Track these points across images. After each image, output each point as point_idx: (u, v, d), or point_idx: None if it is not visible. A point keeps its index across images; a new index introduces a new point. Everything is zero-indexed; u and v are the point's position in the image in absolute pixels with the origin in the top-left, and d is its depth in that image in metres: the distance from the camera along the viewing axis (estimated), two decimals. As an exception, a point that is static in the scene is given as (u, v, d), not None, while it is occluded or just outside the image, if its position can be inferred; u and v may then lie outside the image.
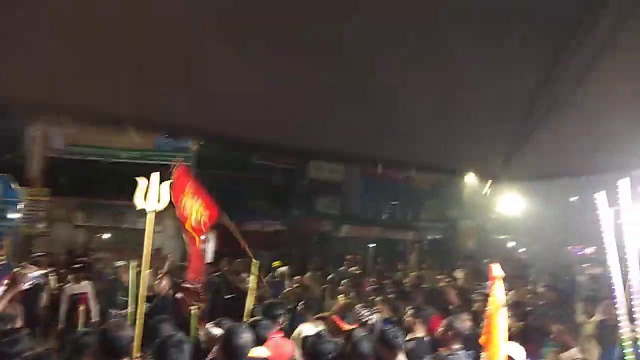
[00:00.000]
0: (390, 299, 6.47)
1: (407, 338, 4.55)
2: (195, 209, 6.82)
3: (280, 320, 4.29)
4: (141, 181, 4.15)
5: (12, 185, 12.53)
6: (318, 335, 3.73)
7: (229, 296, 8.12)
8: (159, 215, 15.21)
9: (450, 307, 6.19)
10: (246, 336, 3.30)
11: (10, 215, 12.30)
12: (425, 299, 6.37)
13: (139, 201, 4.15)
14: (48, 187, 13.87)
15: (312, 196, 19.92)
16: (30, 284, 4.49)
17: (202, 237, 7.09)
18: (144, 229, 15.27)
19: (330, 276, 9.20)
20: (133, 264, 5.39)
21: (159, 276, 7.26)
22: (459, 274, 9.81)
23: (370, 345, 3.61)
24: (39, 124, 14.96)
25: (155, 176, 4.18)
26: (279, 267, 9.97)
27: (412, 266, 11.77)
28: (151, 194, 4.18)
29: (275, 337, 4.03)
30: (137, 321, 3.94)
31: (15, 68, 1.49)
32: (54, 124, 15.19)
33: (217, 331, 3.68)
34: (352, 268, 11.03)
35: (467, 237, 20.39)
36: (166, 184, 4.30)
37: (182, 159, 15.21)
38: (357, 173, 21.82)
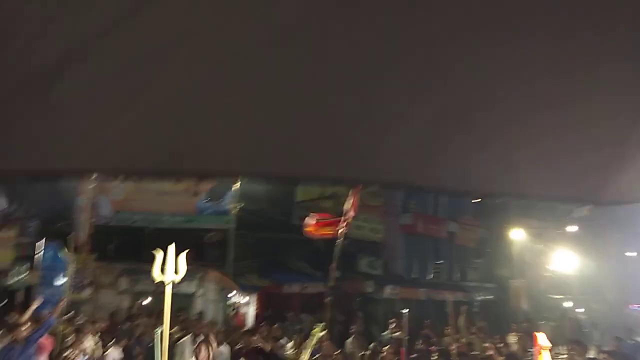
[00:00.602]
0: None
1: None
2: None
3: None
4: (158, 253, 4.15)
5: (60, 253, 12.96)
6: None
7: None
8: (201, 278, 15.27)
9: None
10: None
11: (58, 282, 12.63)
12: None
13: (156, 273, 4.12)
14: (94, 254, 14.25)
15: (353, 256, 19.59)
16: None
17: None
18: (184, 294, 15.28)
19: (372, 344, 8.81)
20: (158, 330, 5.31)
21: (198, 343, 7.13)
22: (512, 338, 9.20)
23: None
24: (87, 193, 15.61)
25: (172, 247, 4.17)
26: (318, 331, 9.64)
27: (461, 330, 11.13)
28: (169, 266, 4.15)
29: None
30: None
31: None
32: (101, 192, 15.85)
33: None
34: (396, 333, 10.54)
35: (519, 297, 19.32)
36: (183, 254, 4.29)
37: (224, 223, 15.59)
38: (398, 231, 21.46)
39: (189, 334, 8.90)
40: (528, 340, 8.95)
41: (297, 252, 17.19)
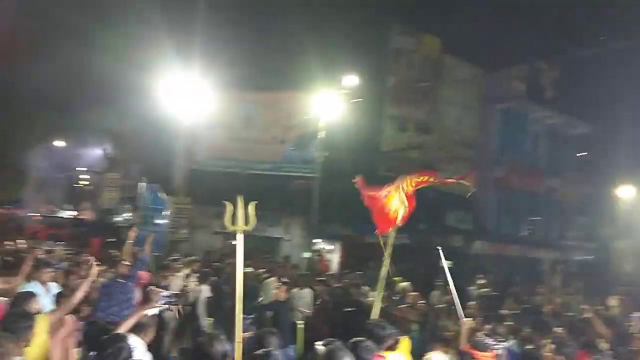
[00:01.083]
0: (525, 328, 5.72)
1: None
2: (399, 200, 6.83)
3: (387, 342, 3.91)
4: (228, 204, 4.12)
5: (160, 194, 13.82)
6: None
7: (348, 309, 7.89)
8: (288, 224, 15.65)
9: (600, 342, 5.24)
10: (345, 358, 3.04)
11: (157, 221, 13.56)
12: (569, 331, 5.45)
13: (227, 223, 4.12)
14: (190, 197, 15.06)
15: (440, 209, 19.02)
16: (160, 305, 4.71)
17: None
18: (274, 237, 15.81)
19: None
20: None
21: (279, 284, 7.30)
22: (613, 301, 8.45)
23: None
24: (185, 139, 16.38)
25: (240, 198, 4.13)
26: (400, 282, 9.52)
27: (555, 291, 10.46)
28: (239, 216, 4.13)
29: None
30: (237, 332, 3.87)
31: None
32: (198, 139, 16.56)
33: (322, 350, 3.46)
34: (483, 289, 10.13)
35: (623, 258, 17.81)
36: (252, 205, 4.23)
37: (309, 171, 15.70)
38: (490, 184, 20.41)
39: (273, 275, 9.22)
40: (630, 304, 8.20)
41: (383, 203, 16.96)
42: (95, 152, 24.30)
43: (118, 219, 18.53)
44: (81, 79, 18.05)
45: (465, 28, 19.02)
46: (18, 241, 7.46)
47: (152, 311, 4.38)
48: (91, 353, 2.91)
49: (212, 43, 15.01)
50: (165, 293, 5.49)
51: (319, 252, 15.27)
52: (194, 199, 15.26)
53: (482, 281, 10.73)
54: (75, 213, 23.47)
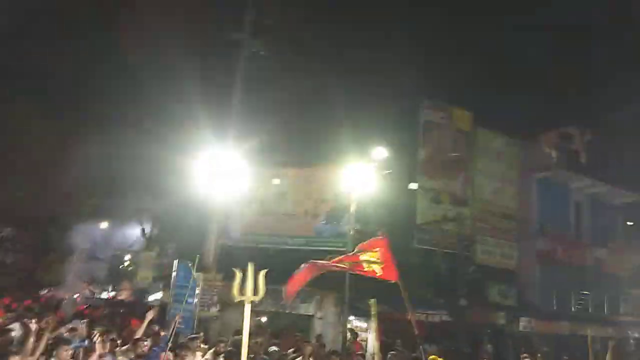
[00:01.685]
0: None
1: None
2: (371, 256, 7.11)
3: None
4: (237, 272, 4.02)
5: (191, 272, 13.78)
6: None
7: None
8: (321, 300, 15.21)
9: None
10: None
11: (189, 300, 13.40)
12: None
13: (235, 292, 3.98)
14: (222, 273, 14.95)
15: (482, 284, 18.17)
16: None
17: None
18: (307, 314, 15.34)
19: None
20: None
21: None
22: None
23: None
24: (217, 217, 16.60)
25: (251, 266, 4.02)
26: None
27: (610, 370, 9.53)
28: (248, 285, 4.00)
29: None
30: None
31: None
32: (231, 216, 16.77)
33: None
34: (529, 368, 9.36)
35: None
36: (262, 273, 4.10)
37: (341, 245, 15.48)
38: (533, 256, 19.52)
39: (300, 355, 8.87)
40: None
41: (419, 277, 16.36)
42: (134, 232, 24.91)
43: (151, 298, 18.52)
44: (120, 161, 18.93)
45: (496, 98, 19.20)
46: (43, 320, 7.50)
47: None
48: None
49: (244, 120, 15.61)
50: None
51: (353, 331, 14.60)
52: (226, 275, 15.16)
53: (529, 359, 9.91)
54: (113, 293, 23.71)
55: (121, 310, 17.42)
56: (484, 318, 16.47)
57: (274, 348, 8.87)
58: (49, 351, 5.74)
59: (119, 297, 23.09)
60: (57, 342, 5.60)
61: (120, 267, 27.15)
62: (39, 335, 5.61)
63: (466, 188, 18.91)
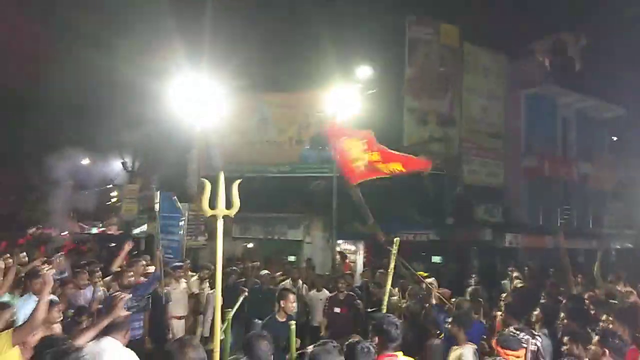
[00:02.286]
0: (563, 319, 5.09)
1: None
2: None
3: (398, 341, 3.40)
4: (207, 184, 3.58)
5: (176, 203, 13.52)
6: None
7: (370, 309, 7.38)
8: (308, 227, 15.13)
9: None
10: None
11: (175, 230, 13.25)
12: (616, 319, 4.71)
13: (204, 206, 3.56)
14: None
15: (468, 203, 18.25)
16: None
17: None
18: (295, 240, 15.34)
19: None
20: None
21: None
22: (660, 289, 7.65)
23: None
24: (199, 146, 16.13)
25: (221, 176, 3.57)
26: (425, 277, 8.90)
27: (595, 279, 9.64)
28: (220, 198, 3.58)
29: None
30: (215, 338, 3.39)
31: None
32: (212, 145, 16.30)
33: (309, 353, 2.99)
34: (517, 281, 9.43)
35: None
36: (235, 185, 3.68)
37: (327, 171, 15.23)
38: (520, 174, 19.54)
39: (288, 278, 8.87)
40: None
41: (405, 199, 16.34)
42: (116, 166, 24.41)
43: (137, 231, 18.40)
44: (93, 88, 18.04)
45: (483, 13, 18.30)
46: (20, 255, 7.21)
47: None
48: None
49: (222, 45, 14.74)
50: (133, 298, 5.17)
51: (342, 253, 14.72)
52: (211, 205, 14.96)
53: (516, 274, 9.99)
54: (103, 229, 23.54)
55: (109, 245, 17.30)
56: (470, 236, 16.65)
57: (265, 271, 8.80)
58: (25, 285, 5.50)
59: (108, 232, 22.98)
60: (30, 275, 5.32)
61: (108, 203, 26.90)
62: (8, 269, 5.32)
63: (453, 107, 18.48)
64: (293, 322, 4.71)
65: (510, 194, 19.65)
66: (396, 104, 17.24)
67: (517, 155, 19.70)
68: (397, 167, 7.28)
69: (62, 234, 20.31)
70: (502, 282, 10.62)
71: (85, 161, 25.52)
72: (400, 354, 3.38)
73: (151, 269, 7.37)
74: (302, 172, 16.11)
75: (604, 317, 4.84)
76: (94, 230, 24.33)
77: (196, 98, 13.65)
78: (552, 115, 20.92)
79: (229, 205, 3.58)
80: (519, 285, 9.07)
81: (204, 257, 14.26)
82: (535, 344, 3.63)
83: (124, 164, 23.69)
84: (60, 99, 17.83)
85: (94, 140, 21.07)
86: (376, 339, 3.39)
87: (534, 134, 19.98)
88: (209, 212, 3.56)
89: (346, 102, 13.90)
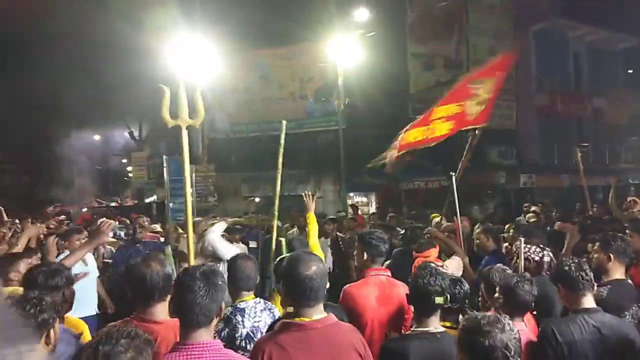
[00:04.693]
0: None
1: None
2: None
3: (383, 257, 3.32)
4: (166, 91, 3.39)
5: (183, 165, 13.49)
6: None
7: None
8: (318, 181, 15.01)
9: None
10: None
11: (183, 192, 13.27)
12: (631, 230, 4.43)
13: (165, 115, 3.39)
14: (214, 165, 14.71)
15: (481, 148, 17.89)
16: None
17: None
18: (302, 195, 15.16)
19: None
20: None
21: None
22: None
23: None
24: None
25: (182, 85, 3.38)
26: (434, 217, 8.77)
27: (611, 211, 9.43)
28: (182, 107, 3.39)
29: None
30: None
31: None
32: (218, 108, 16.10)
33: None
34: (530, 215, 9.27)
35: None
36: (198, 92, 3.49)
37: (333, 124, 14.99)
38: (533, 114, 19.02)
39: (295, 226, 8.88)
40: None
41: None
42: (124, 137, 24.45)
43: (150, 198, 18.53)
44: (94, 59, 17.81)
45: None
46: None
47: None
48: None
49: (216, 1, 14.34)
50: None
51: (354, 205, 14.63)
52: (219, 167, 14.93)
53: (533, 208, 9.84)
54: (119, 201, 23.81)
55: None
56: (483, 179, 16.40)
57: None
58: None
59: (126, 204, 23.24)
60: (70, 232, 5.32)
61: (125, 178, 27.08)
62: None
63: (460, 50, 17.88)
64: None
65: (523, 134, 19.21)
66: (400, 50, 16.74)
67: (528, 95, 19.14)
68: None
69: (81, 210, 20.57)
70: (517, 219, 10.44)
71: (96, 136, 25.62)
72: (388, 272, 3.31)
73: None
74: (308, 127, 15.88)
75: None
76: (112, 205, 24.65)
77: (193, 59, 13.39)
78: (563, 50, 20.15)
79: (192, 114, 3.42)
80: (532, 220, 8.92)
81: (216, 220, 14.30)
82: (549, 255, 3.51)
83: (130, 133, 23.68)
84: (63, 62, 17.64)
85: (99, 113, 21.03)
86: (364, 254, 3.30)
87: (544, 71, 19.33)
88: (171, 122, 3.40)
89: (347, 51, 13.51)
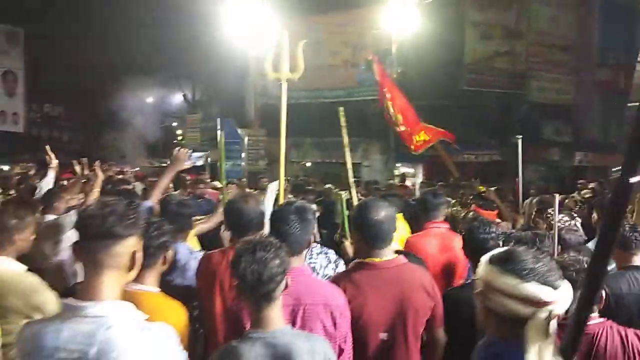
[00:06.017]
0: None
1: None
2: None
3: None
4: (267, 45, 3.53)
5: (236, 129, 13.87)
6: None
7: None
8: (366, 150, 15.07)
9: None
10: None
11: (236, 155, 13.70)
12: None
13: (268, 69, 3.54)
14: (264, 129, 14.98)
15: (536, 122, 17.38)
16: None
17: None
18: (353, 163, 15.46)
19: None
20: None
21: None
22: None
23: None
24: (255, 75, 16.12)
25: (284, 35, 3.50)
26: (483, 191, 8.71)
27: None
28: (283, 61, 3.53)
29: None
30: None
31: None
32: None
33: None
34: (585, 191, 9.09)
35: None
36: (300, 46, 3.61)
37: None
38: (593, 90, 18.18)
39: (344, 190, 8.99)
40: None
41: (467, 118, 15.77)
42: (177, 99, 25.04)
43: (197, 155, 19.05)
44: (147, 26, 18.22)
45: None
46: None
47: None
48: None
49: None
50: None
51: (402, 175, 14.65)
52: (269, 132, 15.17)
53: (591, 184, 9.62)
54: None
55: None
56: (536, 156, 15.98)
57: (328, 185, 8.99)
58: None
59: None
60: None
61: (174, 141, 27.81)
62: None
63: (520, 19, 17.17)
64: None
65: (581, 110, 18.45)
66: (457, 18, 16.26)
67: (589, 69, 18.28)
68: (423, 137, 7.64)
69: (133, 169, 21.40)
70: (571, 195, 10.23)
71: (149, 98, 26.34)
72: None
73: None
74: (358, 96, 15.84)
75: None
76: (164, 165, 25.46)
77: (249, 23, 13.51)
78: (630, 22, 18.97)
79: (293, 68, 3.58)
80: (587, 196, 8.72)
81: (264, 181, 14.67)
82: (576, 224, 3.59)
83: (184, 96, 24.23)
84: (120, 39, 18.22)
85: (155, 75, 21.59)
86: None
87: (608, 45, 18.33)
88: (273, 75, 3.58)
89: (402, 18, 13.26)
